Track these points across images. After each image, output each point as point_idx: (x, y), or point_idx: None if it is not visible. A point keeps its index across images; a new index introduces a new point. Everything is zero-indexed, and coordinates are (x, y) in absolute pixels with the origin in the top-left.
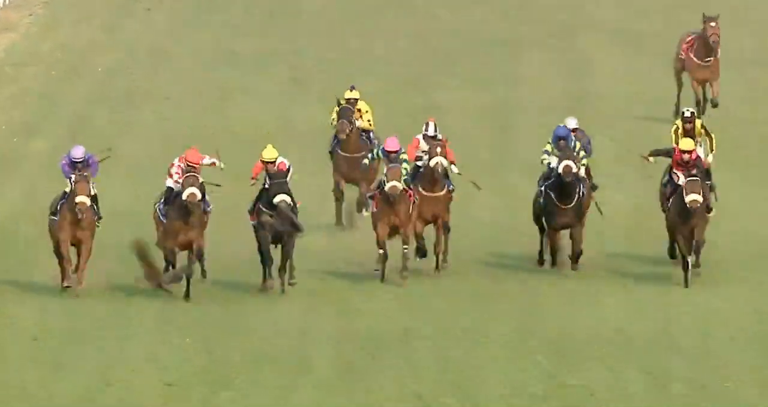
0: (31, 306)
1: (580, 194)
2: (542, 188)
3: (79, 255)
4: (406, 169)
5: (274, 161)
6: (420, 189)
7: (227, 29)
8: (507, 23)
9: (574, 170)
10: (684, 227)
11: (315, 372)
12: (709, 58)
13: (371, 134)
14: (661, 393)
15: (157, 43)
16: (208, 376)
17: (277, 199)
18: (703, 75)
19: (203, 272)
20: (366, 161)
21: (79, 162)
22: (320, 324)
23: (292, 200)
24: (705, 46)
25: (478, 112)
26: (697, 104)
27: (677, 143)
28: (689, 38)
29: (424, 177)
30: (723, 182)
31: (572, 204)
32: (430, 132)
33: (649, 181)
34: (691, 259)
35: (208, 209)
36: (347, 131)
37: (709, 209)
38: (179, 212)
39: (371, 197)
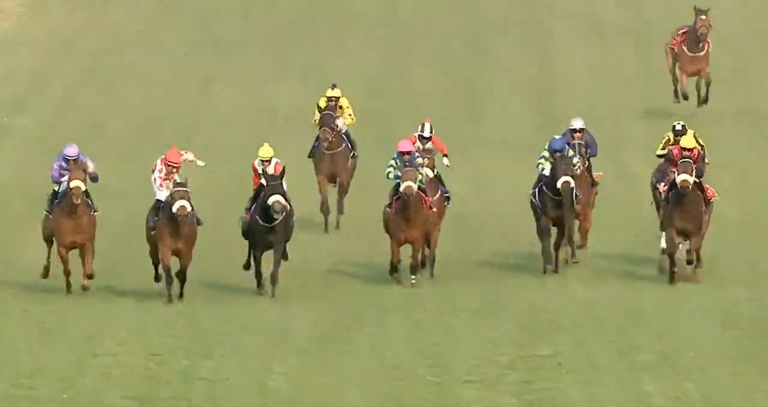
0: (21, 278)
1: (575, 196)
2: (536, 190)
3: (83, 258)
4: (421, 174)
5: (270, 160)
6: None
7: (210, 14)
8: (478, 10)
9: (572, 186)
10: (681, 215)
11: (294, 343)
12: (700, 49)
13: (352, 142)
14: (625, 362)
15: (142, 28)
16: (191, 346)
17: (271, 200)
18: (694, 67)
19: (180, 294)
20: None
21: (73, 159)
22: (301, 298)
23: (287, 201)
24: (695, 38)
25: (449, 94)
26: (685, 98)
27: (660, 150)
28: (681, 31)
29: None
30: None
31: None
32: (426, 133)
33: (616, 164)
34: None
35: (199, 222)
36: (330, 138)
37: (707, 203)
38: (169, 224)
39: (389, 206)
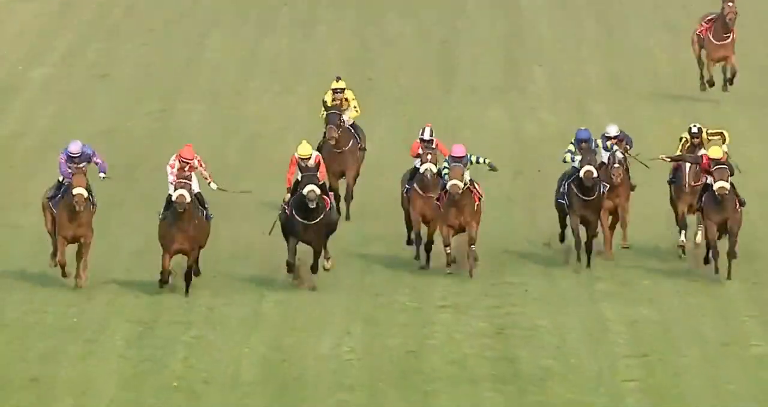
0: (32, 218)
1: (600, 191)
2: (565, 184)
3: (79, 251)
4: (479, 156)
5: (309, 157)
6: (416, 187)
7: None
8: None
9: (595, 175)
10: (717, 217)
11: (285, 274)
12: (726, 37)
13: (359, 134)
14: (586, 289)
15: None
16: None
17: (306, 189)
18: (720, 54)
19: (190, 275)
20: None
21: (77, 156)
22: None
23: (323, 191)
24: (723, 25)
25: (420, 95)
26: (710, 84)
27: (679, 152)
28: (708, 18)
29: (419, 180)
30: None
31: (593, 198)
32: (426, 136)
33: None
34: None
35: (208, 217)
36: (335, 135)
37: (742, 203)
38: (174, 218)
39: (438, 200)
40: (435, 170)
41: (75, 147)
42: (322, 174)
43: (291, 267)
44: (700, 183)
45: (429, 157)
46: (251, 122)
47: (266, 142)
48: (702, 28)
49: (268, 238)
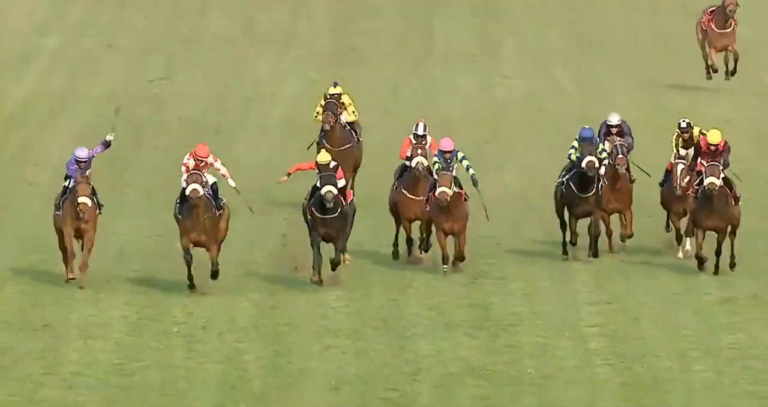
0: (43, 175)
1: (599, 186)
2: (564, 180)
3: (82, 247)
4: (470, 165)
5: (329, 164)
6: (403, 190)
7: None
8: None
9: (597, 165)
10: (708, 221)
11: (275, 229)
12: (727, 27)
13: (356, 129)
14: (554, 243)
15: None
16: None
17: (324, 189)
18: (723, 43)
19: (214, 274)
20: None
21: (83, 162)
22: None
23: (341, 192)
24: (724, 15)
25: (400, 62)
26: (714, 70)
27: (677, 150)
28: (710, 10)
29: (408, 178)
30: None
31: (591, 194)
32: (420, 131)
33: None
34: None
35: (221, 207)
36: (331, 121)
37: (737, 199)
38: (189, 212)
39: (427, 200)
40: (426, 163)
41: (82, 153)
42: (340, 174)
43: (317, 263)
44: (690, 187)
45: (420, 151)
46: (245, 86)
47: (259, 105)
48: (705, 18)
49: (258, 199)
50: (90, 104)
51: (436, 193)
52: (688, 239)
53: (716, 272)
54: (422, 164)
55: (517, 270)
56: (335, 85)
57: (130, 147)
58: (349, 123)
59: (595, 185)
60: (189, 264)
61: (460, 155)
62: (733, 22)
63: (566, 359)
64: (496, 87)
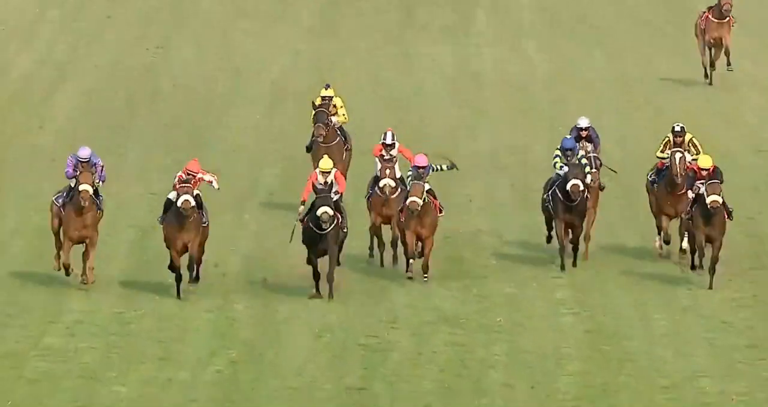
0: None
1: (584, 196)
2: (550, 192)
3: (85, 252)
4: (439, 168)
5: (330, 171)
6: (378, 192)
7: None
8: None
9: (581, 188)
10: (706, 228)
11: (261, 196)
12: (725, 17)
13: (346, 135)
14: (523, 201)
15: None
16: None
17: (320, 211)
18: (717, 33)
19: (196, 278)
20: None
21: (85, 162)
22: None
23: (338, 211)
24: (720, 12)
25: (382, 11)
26: (711, 65)
27: (660, 153)
28: (708, 7)
29: (377, 196)
30: None
31: (577, 202)
32: (388, 141)
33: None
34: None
35: (204, 222)
36: (323, 133)
37: (730, 215)
38: (176, 219)
39: (400, 210)
40: (393, 184)
41: (84, 153)
42: (341, 186)
43: (317, 279)
44: (683, 187)
45: (388, 172)
46: (236, 57)
47: (249, 74)
48: (702, 17)
49: (245, 159)
50: (92, 72)
51: (407, 202)
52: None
53: (710, 287)
54: (389, 186)
55: (488, 226)
56: (327, 87)
57: (125, 112)
58: (340, 129)
59: (581, 196)
60: (178, 281)
61: (434, 165)
62: (730, 17)
63: (534, 308)
64: (470, 58)
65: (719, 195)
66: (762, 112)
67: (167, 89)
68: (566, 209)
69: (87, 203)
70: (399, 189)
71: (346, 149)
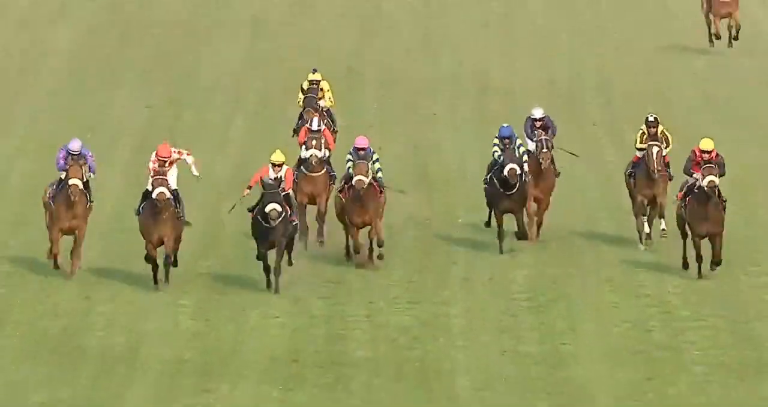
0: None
1: (522, 182)
2: (488, 177)
3: (75, 242)
4: (380, 168)
5: (281, 165)
6: (303, 169)
7: None
8: None
9: (518, 172)
10: (703, 224)
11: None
12: None
13: (333, 117)
14: (486, 140)
15: None
16: None
17: (268, 208)
18: (725, 10)
19: (173, 262)
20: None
21: (76, 154)
22: None
23: (286, 206)
24: None
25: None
26: (717, 38)
27: (640, 143)
28: None
29: (305, 164)
30: None
31: (515, 191)
32: (314, 127)
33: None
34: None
35: (182, 216)
36: (313, 117)
37: (724, 205)
38: (151, 211)
39: (340, 191)
40: (320, 155)
41: (75, 145)
42: (288, 183)
43: (267, 272)
44: (663, 171)
45: (314, 142)
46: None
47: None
48: None
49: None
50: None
51: (353, 181)
52: (646, 223)
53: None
54: (315, 156)
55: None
56: (314, 71)
57: (119, 42)
58: (327, 112)
59: (519, 183)
60: (155, 271)
61: (375, 156)
62: None
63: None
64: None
65: (716, 177)
66: None
67: (157, 21)
68: (505, 197)
69: (76, 197)
70: (325, 168)
71: (333, 131)
